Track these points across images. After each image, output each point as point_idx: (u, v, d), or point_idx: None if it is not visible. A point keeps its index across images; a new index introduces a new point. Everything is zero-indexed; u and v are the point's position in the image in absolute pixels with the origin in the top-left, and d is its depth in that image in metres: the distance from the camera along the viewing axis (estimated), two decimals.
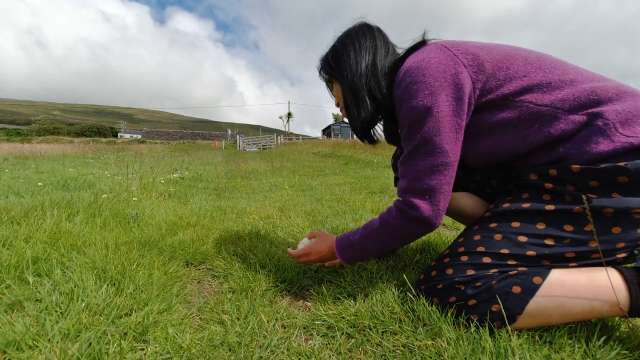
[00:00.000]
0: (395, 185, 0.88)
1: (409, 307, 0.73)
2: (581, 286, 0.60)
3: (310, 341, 0.68)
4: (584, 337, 0.61)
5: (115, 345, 0.62)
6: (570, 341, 0.60)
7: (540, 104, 0.63)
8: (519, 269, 0.64)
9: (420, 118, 0.65)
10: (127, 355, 0.60)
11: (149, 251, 1.10)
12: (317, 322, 0.73)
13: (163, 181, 3.17)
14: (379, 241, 0.77)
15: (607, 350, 0.57)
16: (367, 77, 0.77)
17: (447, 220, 1.67)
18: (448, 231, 1.55)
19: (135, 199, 2.10)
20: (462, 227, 1.52)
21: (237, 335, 0.68)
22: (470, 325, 0.64)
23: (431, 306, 0.70)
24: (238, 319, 0.74)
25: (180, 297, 0.84)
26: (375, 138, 0.88)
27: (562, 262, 0.63)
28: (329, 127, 44.46)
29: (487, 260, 0.65)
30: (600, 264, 0.61)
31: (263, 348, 0.64)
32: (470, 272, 0.66)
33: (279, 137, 27.31)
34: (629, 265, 0.63)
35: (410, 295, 0.77)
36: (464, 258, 0.68)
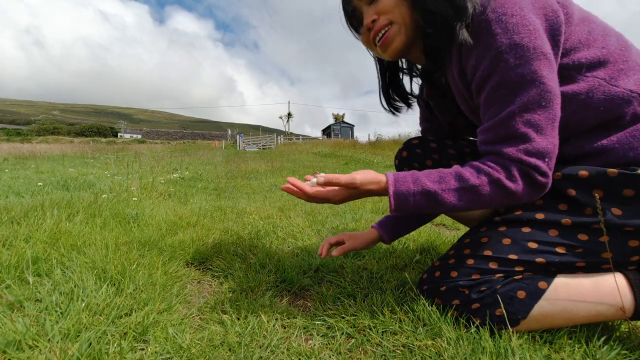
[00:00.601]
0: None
1: (409, 307, 0.73)
2: (586, 290, 0.59)
3: (310, 341, 0.68)
4: (584, 337, 0.61)
5: (115, 345, 0.62)
6: (570, 341, 0.60)
7: (615, 84, 0.56)
8: (525, 273, 0.63)
9: (528, 58, 0.53)
10: (127, 355, 0.60)
11: (149, 251, 1.10)
12: (317, 322, 0.73)
13: (163, 181, 3.17)
14: (469, 202, 0.59)
15: (607, 350, 0.57)
16: None
17: (447, 220, 1.67)
18: (448, 231, 1.55)
19: (135, 199, 2.10)
20: (462, 226, 1.52)
21: (237, 335, 0.68)
22: (470, 326, 0.64)
23: (431, 306, 0.69)
24: (238, 319, 0.74)
25: (180, 297, 0.84)
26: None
27: (570, 270, 0.62)
28: (329, 127, 44.47)
29: (493, 266, 0.63)
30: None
31: (263, 348, 0.64)
32: (476, 276, 0.64)
33: (279, 137, 27.31)
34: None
35: (412, 294, 0.77)
36: (470, 261, 0.66)
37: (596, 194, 0.57)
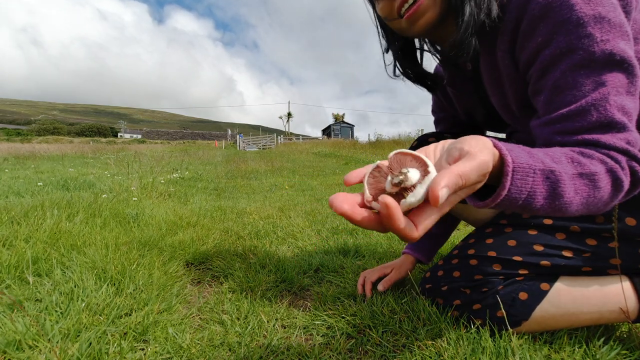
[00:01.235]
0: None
1: (409, 307, 0.73)
2: (590, 293, 0.59)
3: (310, 341, 0.68)
4: (584, 337, 0.61)
5: (115, 345, 0.62)
6: (570, 341, 0.60)
7: None
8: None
9: (615, 35, 0.45)
10: (127, 355, 0.60)
11: (149, 251, 1.10)
12: (317, 322, 0.73)
13: (163, 181, 3.17)
14: (582, 197, 0.43)
15: (607, 351, 0.57)
16: None
17: None
18: None
19: (135, 199, 2.10)
20: (462, 226, 1.52)
21: (237, 335, 0.68)
22: (470, 326, 0.64)
23: (431, 306, 0.69)
24: (238, 319, 0.74)
25: (180, 297, 0.84)
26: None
27: (575, 275, 0.61)
28: (329, 127, 44.49)
29: (497, 267, 0.62)
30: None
31: (263, 348, 0.64)
32: (478, 277, 0.64)
33: (279, 137, 27.33)
34: None
35: (412, 294, 0.77)
36: (473, 262, 0.65)
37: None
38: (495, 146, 0.37)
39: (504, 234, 0.64)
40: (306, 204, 2.21)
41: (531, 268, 0.61)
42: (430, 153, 0.39)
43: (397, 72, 0.72)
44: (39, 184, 3.05)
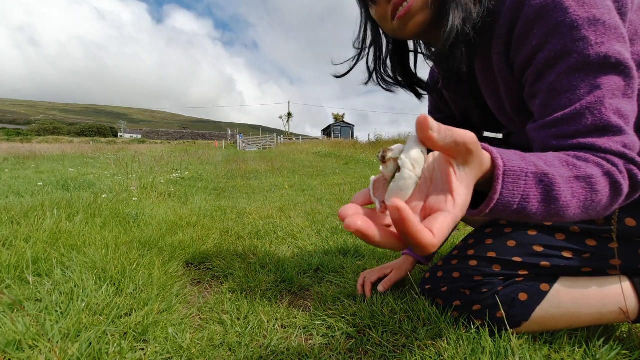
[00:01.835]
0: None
1: (409, 307, 0.73)
2: (590, 294, 0.59)
3: (310, 341, 0.68)
4: (584, 337, 0.61)
5: (115, 345, 0.62)
6: (570, 341, 0.60)
7: None
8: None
9: (610, 38, 0.45)
10: (127, 355, 0.60)
11: (149, 251, 1.10)
12: (317, 322, 0.73)
13: (163, 181, 3.17)
14: (580, 201, 0.42)
15: (607, 351, 0.57)
16: None
17: None
18: None
19: (135, 198, 2.10)
20: (462, 226, 1.52)
21: (237, 335, 0.68)
22: (470, 327, 0.64)
23: (431, 307, 0.69)
24: (238, 319, 0.74)
25: (180, 297, 0.84)
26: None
27: (575, 275, 0.61)
28: (329, 127, 44.51)
29: (496, 268, 0.62)
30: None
31: (263, 348, 0.64)
32: (478, 278, 0.64)
33: (279, 137, 27.33)
34: None
35: (414, 293, 0.77)
36: (473, 262, 0.65)
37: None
38: (486, 149, 0.37)
39: (504, 234, 0.64)
40: (306, 204, 2.21)
41: (531, 269, 0.61)
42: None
43: (378, 77, 0.71)
44: (39, 184, 3.05)
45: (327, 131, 44.60)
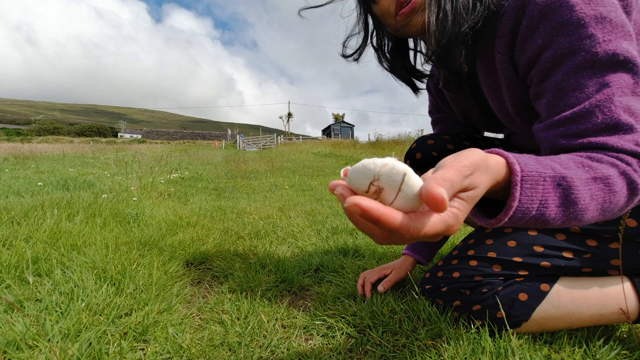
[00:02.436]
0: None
1: (409, 307, 0.73)
2: (590, 294, 0.59)
3: (310, 341, 0.68)
4: (584, 338, 0.61)
5: (115, 345, 0.62)
6: (570, 341, 0.60)
7: None
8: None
9: (617, 35, 0.44)
10: (127, 355, 0.60)
11: (149, 251, 1.10)
12: (317, 322, 0.73)
13: (163, 181, 3.17)
14: (598, 203, 0.41)
15: (607, 351, 0.57)
16: None
17: None
18: None
19: (135, 198, 2.10)
20: (462, 226, 1.52)
21: (237, 335, 0.68)
22: (470, 326, 0.64)
23: (431, 307, 0.69)
24: (238, 319, 0.74)
25: (180, 297, 0.84)
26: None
27: (576, 276, 0.61)
28: (329, 127, 44.51)
29: (497, 268, 0.62)
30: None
31: (263, 348, 0.64)
32: (478, 278, 0.64)
33: (279, 137, 27.33)
34: None
35: (414, 293, 0.77)
36: (473, 262, 0.65)
37: None
38: (500, 154, 0.36)
39: (504, 234, 0.64)
40: (306, 204, 2.21)
41: (531, 269, 0.61)
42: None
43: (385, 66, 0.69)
44: (39, 183, 3.05)
45: (327, 131, 44.61)
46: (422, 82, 0.73)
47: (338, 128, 42.59)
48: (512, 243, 0.62)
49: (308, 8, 0.65)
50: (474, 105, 0.74)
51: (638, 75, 0.44)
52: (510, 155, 0.36)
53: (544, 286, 0.60)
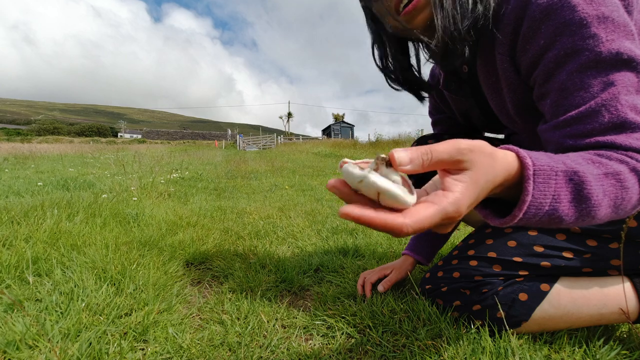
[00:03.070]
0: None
1: (409, 307, 0.73)
2: (590, 294, 0.59)
3: (310, 341, 0.68)
4: (584, 338, 0.61)
5: (115, 345, 0.62)
6: (570, 341, 0.60)
7: None
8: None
9: (620, 35, 0.44)
10: (127, 355, 0.60)
11: (149, 251, 1.10)
12: (317, 322, 0.73)
13: (163, 181, 3.17)
14: (611, 199, 0.40)
15: (607, 351, 0.57)
16: None
17: None
18: None
19: (135, 198, 2.10)
20: (462, 226, 1.52)
21: (237, 335, 0.68)
22: (470, 326, 0.64)
23: (431, 307, 0.69)
24: (238, 319, 0.74)
25: (180, 297, 0.84)
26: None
27: (576, 276, 0.61)
28: (329, 127, 44.52)
29: (497, 268, 0.62)
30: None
31: (263, 348, 0.64)
32: (478, 278, 0.64)
33: (279, 137, 27.33)
34: None
35: (414, 293, 0.77)
36: (473, 262, 0.65)
37: None
38: (511, 149, 0.36)
39: (504, 234, 0.64)
40: (306, 204, 2.21)
41: (531, 269, 0.61)
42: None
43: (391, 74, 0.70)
44: (39, 183, 3.04)
45: (327, 131, 44.62)
46: (425, 89, 0.73)
47: (338, 128, 42.60)
48: (512, 243, 0.62)
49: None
50: (474, 105, 0.75)
51: None
52: (520, 149, 0.36)
53: (544, 286, 0.60)
